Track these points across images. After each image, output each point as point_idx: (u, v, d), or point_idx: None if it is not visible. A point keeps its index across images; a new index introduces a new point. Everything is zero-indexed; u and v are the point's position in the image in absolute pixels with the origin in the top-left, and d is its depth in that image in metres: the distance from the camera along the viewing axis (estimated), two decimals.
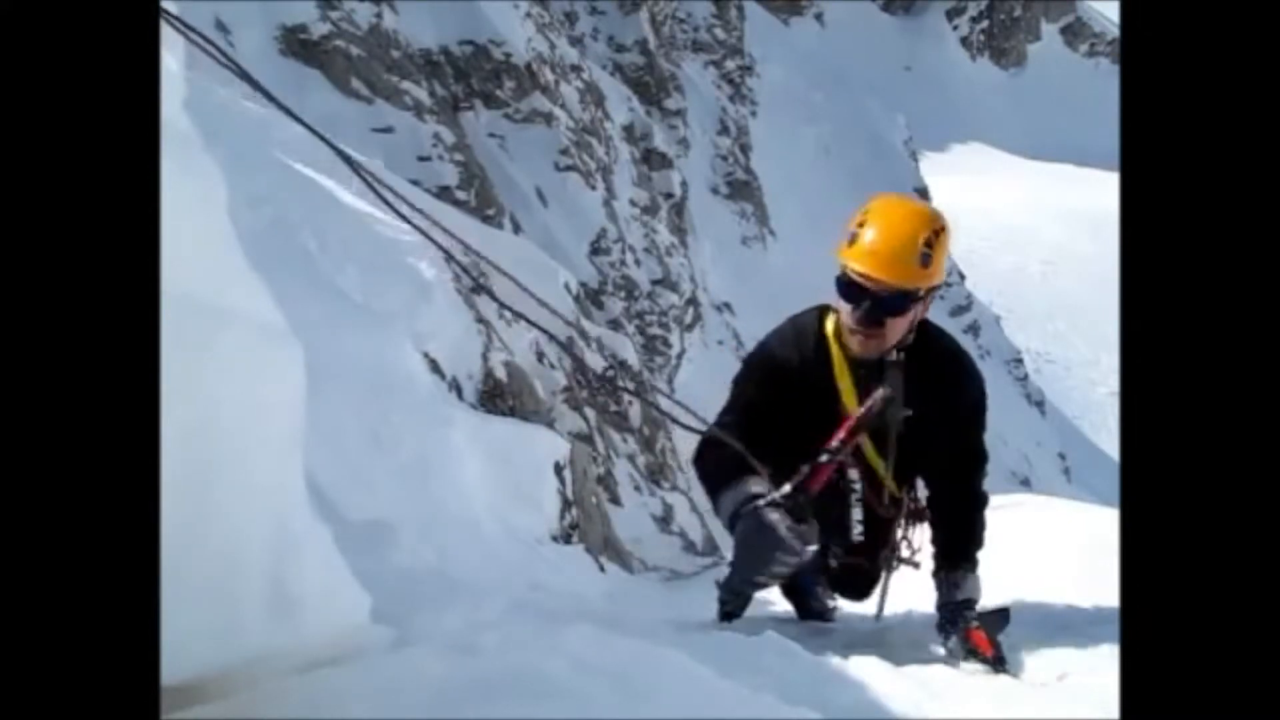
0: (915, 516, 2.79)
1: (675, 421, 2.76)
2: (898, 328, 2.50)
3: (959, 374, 2.67)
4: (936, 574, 2.59)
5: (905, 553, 2.76)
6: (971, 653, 2.28)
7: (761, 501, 2.38)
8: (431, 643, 1.29)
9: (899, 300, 2.46)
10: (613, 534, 8.47)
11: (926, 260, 2.46)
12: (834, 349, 2.61)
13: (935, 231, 2.51)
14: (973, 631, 2.36)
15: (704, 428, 2.60)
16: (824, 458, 2.50)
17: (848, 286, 2.49)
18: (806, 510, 2.42)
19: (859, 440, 2.57)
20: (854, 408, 2.55)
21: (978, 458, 2.69)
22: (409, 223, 1.97)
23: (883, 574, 2.78)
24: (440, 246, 2.13)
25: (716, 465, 2.57)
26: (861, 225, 2.50)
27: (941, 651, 2.42)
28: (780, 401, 2.61)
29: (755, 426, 2.58)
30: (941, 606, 2.53)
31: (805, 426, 2.56)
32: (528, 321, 2.28)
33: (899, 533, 2.75)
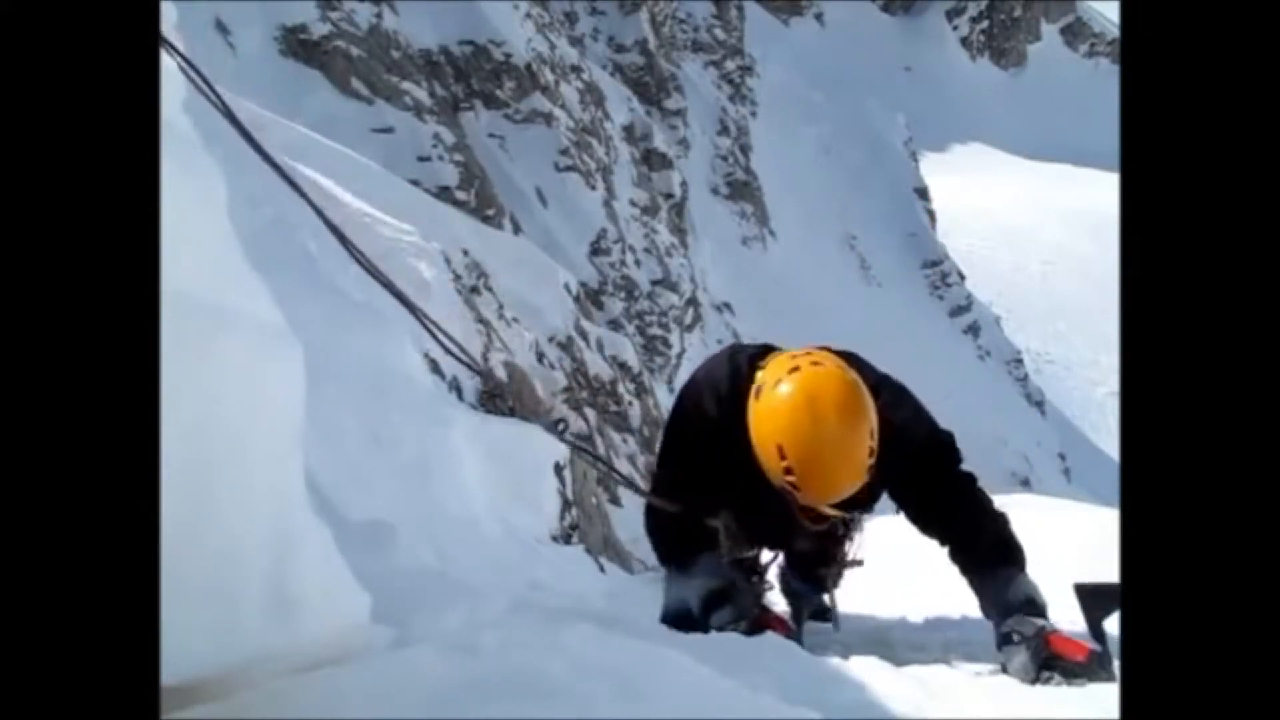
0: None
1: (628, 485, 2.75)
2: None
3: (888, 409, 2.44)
4: (973, 584, 2.29)
5: (851, 555, 2.67)
6: (1055, 665, 1.91)
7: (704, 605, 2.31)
8: (431, 643, 1.29)
9: (857, 495, 2.28)
10: (613, 534, 8.47)
11: (872, 451, 2.22)
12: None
13: (871, 425, 2.22)
14: (1052, 638, 1.98)
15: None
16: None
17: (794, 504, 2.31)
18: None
19: None
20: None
21: (932, 442, 2.45)
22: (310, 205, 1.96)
23: (830, 585, 2.73)
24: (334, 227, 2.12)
25: (689, 546, 2.48)
26: (790, 465, 2.21)
27: (940, 651, 2.41)
28: (714, 459, 2.45)
29: (706, 488, 2.48)
30: (996, 617, 2.17)
31: (736, 477, 2.41)
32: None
33: (846, 547, 2.67)
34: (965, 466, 2.45)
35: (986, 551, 2.29)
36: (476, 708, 1.02)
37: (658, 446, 2.62)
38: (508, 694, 1.06)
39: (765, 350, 2.54)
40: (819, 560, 2.72)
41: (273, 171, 1.61)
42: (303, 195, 1.79)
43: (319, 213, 1.86)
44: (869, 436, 2.20)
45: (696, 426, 2.51)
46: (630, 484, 2.78)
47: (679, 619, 2.34)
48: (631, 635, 1.55)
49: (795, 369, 2.24)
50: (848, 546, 2.68)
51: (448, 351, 2.35)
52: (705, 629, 2.26)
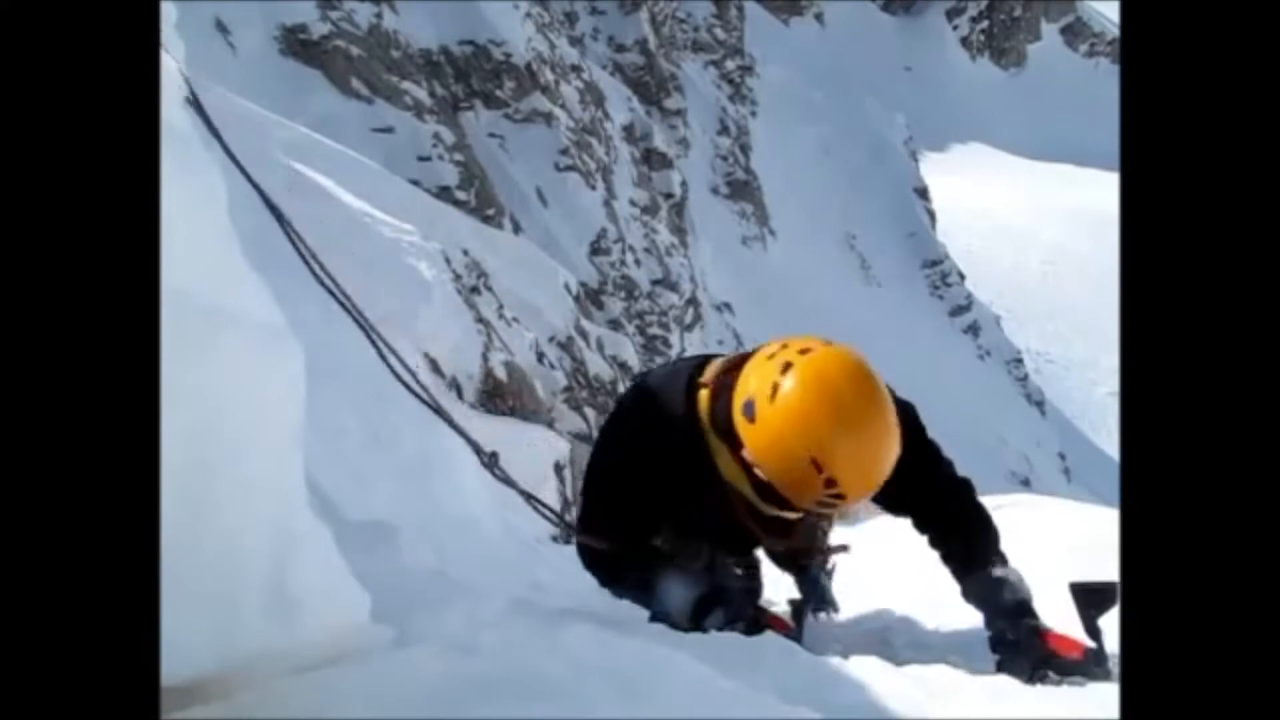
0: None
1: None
2: None
3: None
4: (966, 585, 2.21)
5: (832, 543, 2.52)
6: (1051, 664, 1.93)
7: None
8: (431, 643, 1.29)
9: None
10: None
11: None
12: (711, 436, 2.17)
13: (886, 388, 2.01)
14: (1048, 636, 2.00)
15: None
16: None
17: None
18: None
19: (734, 483, 2.23)
20: (743, 484, 2.16)
21: (918, 439, 2.26)
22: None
23: (821, 575, 2.64)
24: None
25: (630, 583, 2.36)
26: (843, 496, 1.97)
27: (940, 651, 2.41)
28: (659, 500, 2.25)
29: (636, 516, 2.29)
30: (990, 620, 2.13)
31: (683, 508, 2.26)
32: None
33: (820, 538, 2.51)
34: (961, 468, 2.40)
35: (976, 552, 2.22)
36: (476, 708, 1.02)
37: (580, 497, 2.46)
38: (508, 694, 1.06)
39: (702, 363, 2.27)
40: (794, 555, 2.58)
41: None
42: (273, 209, 1.77)
43: (289, 233, 1.85)
44: (890, 402, 1.98)
45: (636, 474, 2.24)
46: (563, 524, 2.54)
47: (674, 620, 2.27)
48: (631, 635, 1.55)
49: (788, 365, 1.98)
50: (822, 538, 2.51)
51: (397, 378, 2.36)
52: (703, 629, 2.21)
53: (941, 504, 2.31)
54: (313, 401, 1.12)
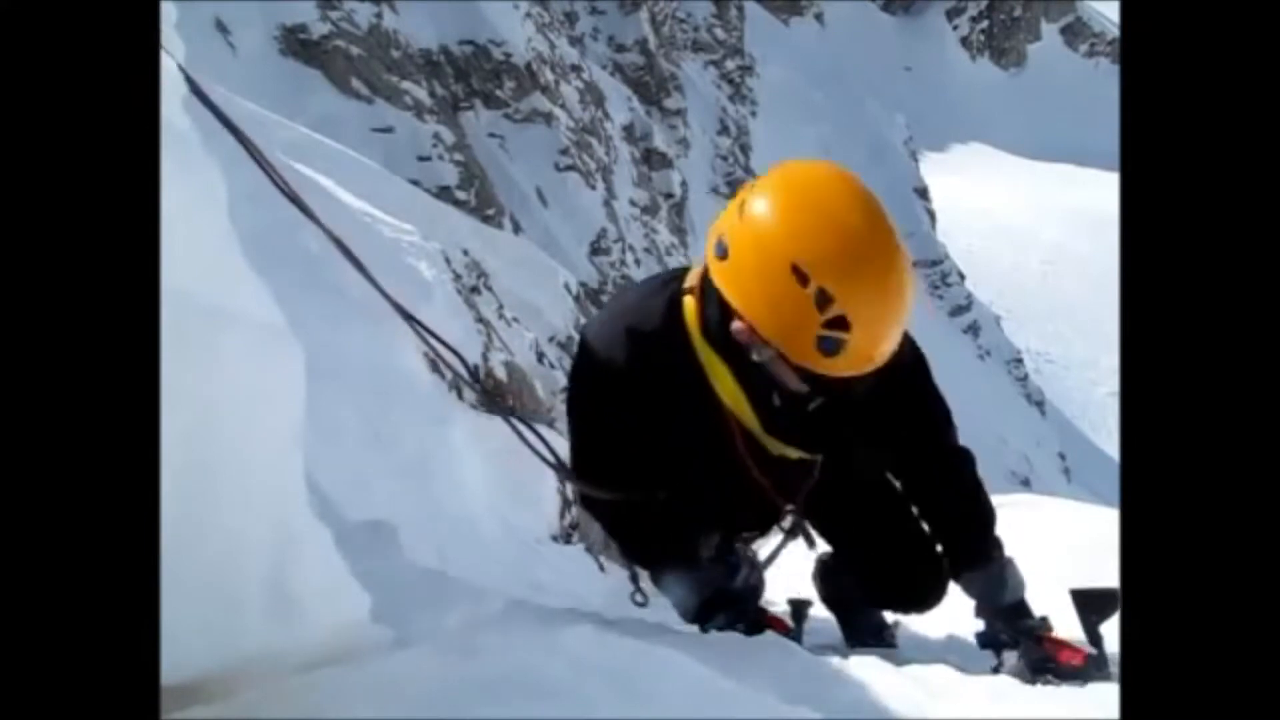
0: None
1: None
2: None
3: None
4: (963, 578, 2.07)
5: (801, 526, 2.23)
6: (1047, 667, 1.88)
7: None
8: (431, 643, 1.29)
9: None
10: None
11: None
12: (703, 351, 1.90)
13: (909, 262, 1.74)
14: (1049, 640, 1.94)
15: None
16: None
17: (814, 378, 1.75)
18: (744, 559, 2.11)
19: (761, 441, 2.01)
20: (744, 410, 1.95)
21: (935, 416, 2.09)
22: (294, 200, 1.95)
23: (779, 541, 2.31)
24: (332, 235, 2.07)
25: (650, 538, 2.13)
26: (846, 326, 1.63)
27: (940, 651, 2.41)
28: (644, 425, 1.98)
29: (633, 460, 2.03)
30: (987, 617, 2.01)
31: (679, 445, 2.02)
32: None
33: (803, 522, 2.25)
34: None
35: (975, 539, 2.04)
36: (476, 708, 1.02)
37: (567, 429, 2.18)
38: (508, 694, 1.06)
39: (681, 274, 1.99)
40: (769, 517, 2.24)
41: (277, 165, 1.60)
42: (299, 203, 1.77)
43: (316, 220, 1.85)
44: (886, 216, 1.67)
45: (619, 391, 1.95)
46: (561, 469, 2.21)
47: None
48: (631, 635, 1.54)
49: (754, 186, 1.71)
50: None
51: (446, 364, 2.17)
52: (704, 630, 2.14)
53: (946, 476, 2.11)
54: (313, 401, 1.12)
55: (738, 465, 2.02)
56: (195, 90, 1.17)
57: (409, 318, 1.96)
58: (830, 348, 1.68)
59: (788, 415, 1.95)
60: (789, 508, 2.18)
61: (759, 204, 1.68)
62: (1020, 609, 2.00)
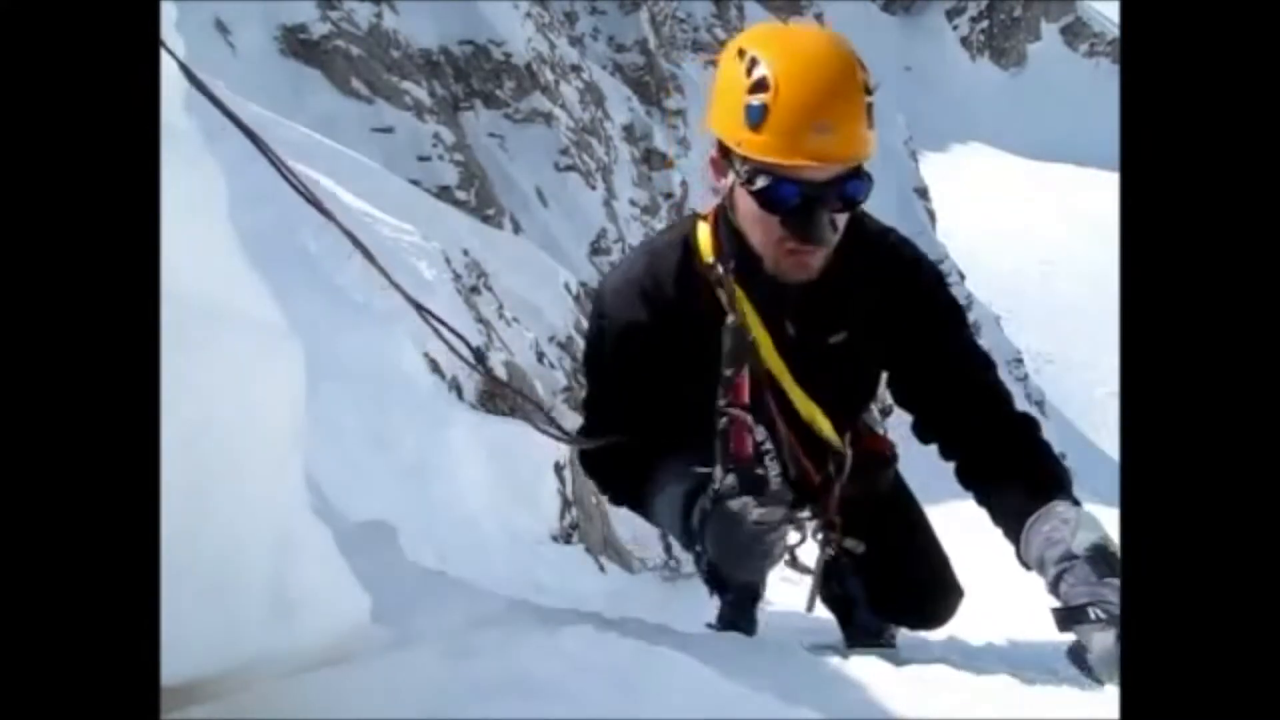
0: (862, 473, 2.07)
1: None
2: (841, 225, 1.75)
3: (908, 267, 1.93)
4: (1012, 517, 1.76)
5: (841, 538, 2.05)
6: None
7: (711, 493, 1.76)
8: (431, 643, 1.28)
9: (856, 186, 1.70)
10: (613, 534, 8.47)
11: (870, 111, 1.69)
12: (714, 273, 1.86)
13: (862, 66, 1.70)
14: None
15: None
16: (735, 413, 1.82)
17: (773, 190, 1.68)
18: (760, 477, 1.81)
19: (782, 385, 1.89)
20: (769, 350, 1.85)
21: (981, 362, 1.93)
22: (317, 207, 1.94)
23: (818, 556, 2.10)
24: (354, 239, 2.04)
25: (624, 476, 2.00)
26: (767, 87, 1.63)
27: (941, 651, 2.41)
28: (661, 374, 1.90)
29: (641, 414, 1.95)
30: (1054, 565, 1.64)
31: (700, 389, 1.87)
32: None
33: (834, 501, 2.05)
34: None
35: (1038, 479, 1.77)
36: (476, 708, 1.02)
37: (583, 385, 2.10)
38: (507, 694, 1.06)
39: (688, 227, 1.95)
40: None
41: (274, 171, 1.60)
42: (305, 194, 1.77)
43: (328, 215, 1.84)
44: (866, 89, 1.67)
45: (625, 347, 1.90)
46: (563, 435, 2.12)
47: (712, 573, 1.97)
48: (631, 635, 1.55)
49: None
50: (832, 501, 2.02)
51: (454, 351, 2.13)
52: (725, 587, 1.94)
53: (991, 405, 1.89)
54: (313, 401, 1.12)
55: (765, 413, 1.89)
56: (195, 82, 1.16)
57: (419, 307, 1.94)
58: (755, 117, 1.66)
59: (809, 352, 1.88)
60: (829, 468, 2.03)
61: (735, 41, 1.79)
62: (1102, 556, 1.61)
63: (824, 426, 1.97)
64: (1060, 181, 48.08)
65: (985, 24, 58.60)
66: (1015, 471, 1.80)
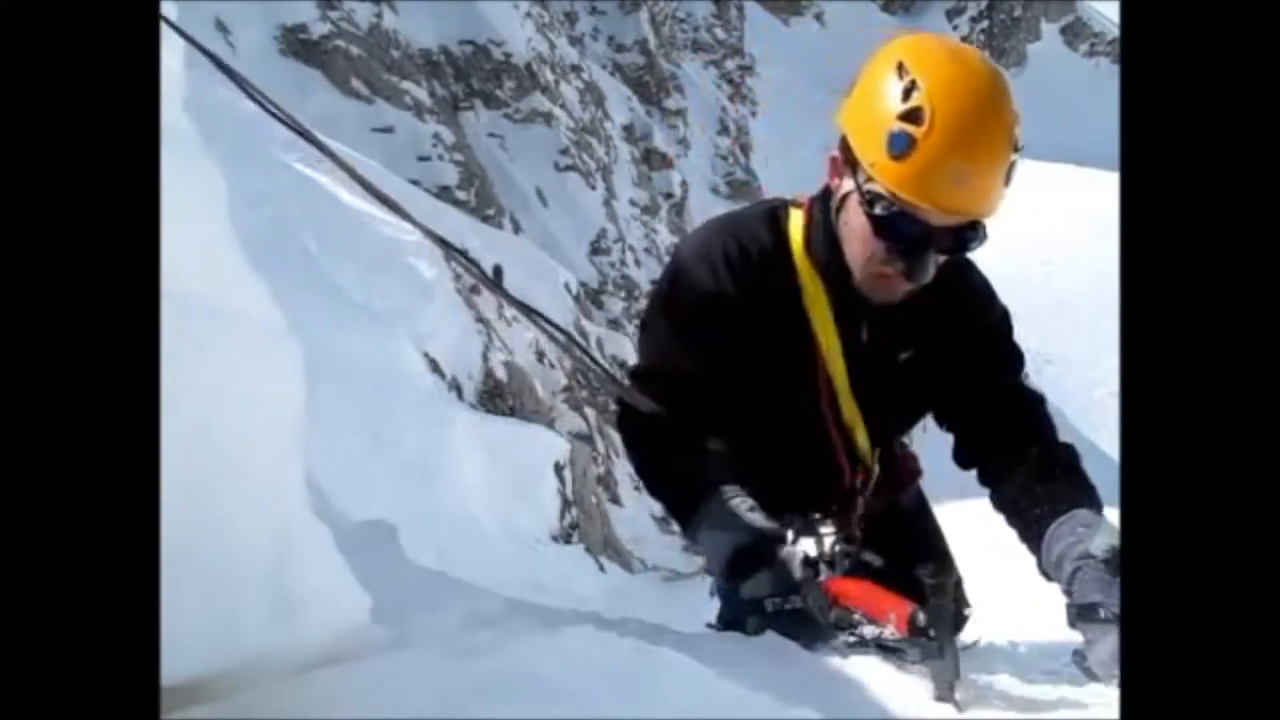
0: (886, 489, 2.06)
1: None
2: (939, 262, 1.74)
3: (983, 303, 1.96)
4: (1037, 523, 1.79)
5: (860, 551, 2.00)
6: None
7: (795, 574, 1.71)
8: (431, 643, 1.29)
9: (971, 236, 1.72)
10: (613, 534, 8.47)
11: (1011, 170, 1.67)
12: (804, 272, 1.81)
13: (1018, 120, 1.65)
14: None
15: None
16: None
17: (893, 221, 1.65)
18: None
19: (835, 388, 1.87)
20: (833, 352, 1.82)
21: (1032, 398, 1.94)
22: (418, 225, 1.94)
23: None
24: (452, 247, 2.02)
25: (674, 468, 1.91)
26: (921, 120, 1.56)
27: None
28: (726, 355, 1.83)
29: (695, 394, 1.86)
30: (1070, 563, 1.69)
31: (759, 383, 1.85)
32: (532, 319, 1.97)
33: (858, 515, 2.03)
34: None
35: (1062, 484, 1.80)
36: (476, 708, 1.02)
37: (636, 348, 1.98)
38: (507, 694, 1.06)
39: (780, 209, 1.89)
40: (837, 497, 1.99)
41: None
42: (309, 137, 1.74)
43: (326, 150, 1.82)
44: (1016, 140, 1.63)
45: (696, 319, 1.82)
46: (613, 381, 2.06)
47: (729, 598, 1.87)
48: (631, 635, 1.55)
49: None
50: (855, 514, 1.98)
51: (466, 269, 2.11)
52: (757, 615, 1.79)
53: (1033, 439, 1.89)
54: (313, 401, 1.12)
55: (816, 412, 1.88)
56: (188, 39, 1.16)
57: (431, 234, 1.90)
58: (899, 146, 1.59)
59: (874, 364, 1.86)
60: (856, 480, 2.00)
61: (889, 44, 1.70)
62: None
63: (860, 438, 1.96)
64: (1060, 181, 48.06)
65: (985, 24, 58.64)
66: (1050, 499, 1.80)
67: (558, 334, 2.01)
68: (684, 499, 1.88)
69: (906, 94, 1.59)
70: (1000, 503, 1.94)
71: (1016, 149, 1.65)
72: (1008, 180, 1.68)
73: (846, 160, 1.74)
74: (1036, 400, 1.97)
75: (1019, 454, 1.88)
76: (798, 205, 1.88)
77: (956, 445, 1.99)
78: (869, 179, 1.66)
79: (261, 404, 1.00)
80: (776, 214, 1.88)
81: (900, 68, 1.61)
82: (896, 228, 1.67)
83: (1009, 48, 59.01)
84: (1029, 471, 1.85)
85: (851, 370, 1.87)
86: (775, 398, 1.89)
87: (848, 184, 1.74)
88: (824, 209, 1.82)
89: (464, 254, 2.04)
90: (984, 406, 1.93)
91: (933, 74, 1.59)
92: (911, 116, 1.59)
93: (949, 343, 1.88)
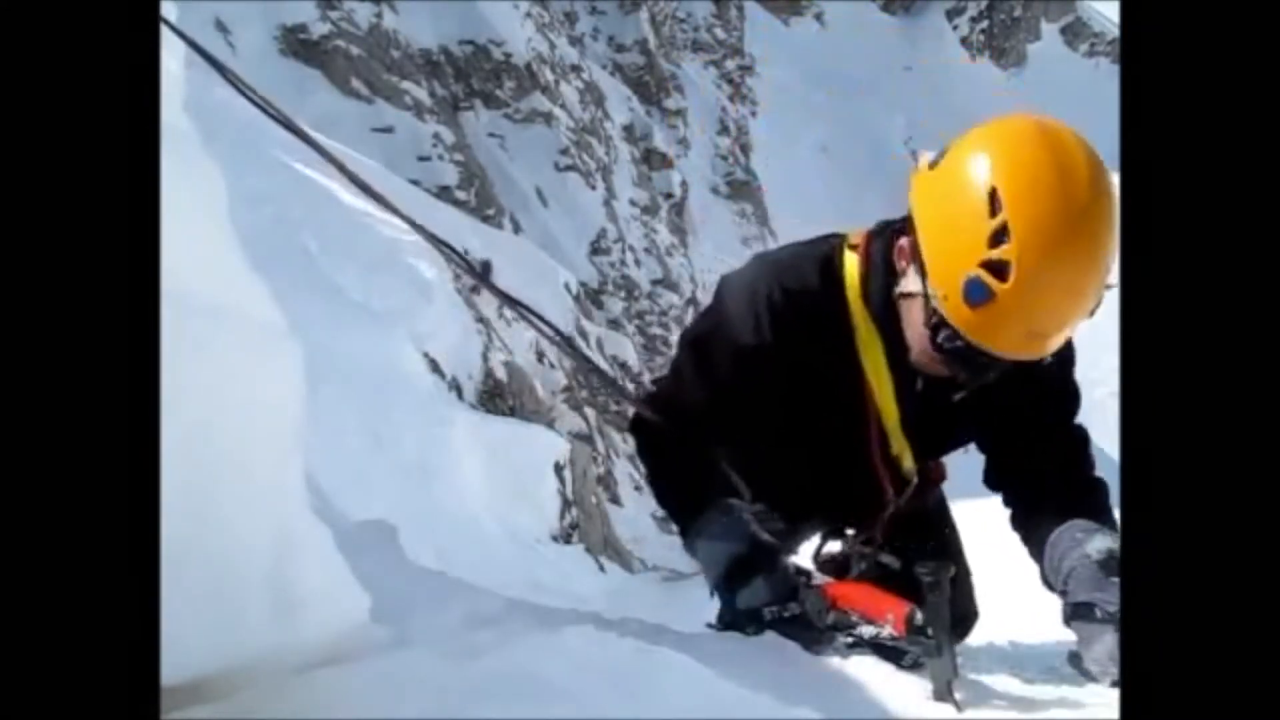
0: (916, 495, 2.04)
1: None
2: None
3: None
4: (1048, 536, 1.80)
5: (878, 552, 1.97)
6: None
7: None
8: (431, 643, 1.29)
9: (1035, 362, 1.63)
10: (613, 534, 8.47)
11: (1091, 314, 1.54)
12: (857, 315, 1.74)
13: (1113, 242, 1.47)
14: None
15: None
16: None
17: (957, 354, 1.58)
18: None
19: (886, 427, 1.84)
20: (886, 395, 1.78)
21: (1080, 436, 1.91)
22: (410, 223, 1.95)
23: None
24: (443, 244, 2.03)
25: (680, 481, 1.90)
26: (1006, 275, 1.43)
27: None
28: (769, 401, 1.80)
29: (730, 433, 1.85)
30: (1067, 562, 1.71)
31: (801, 420, 1.83)
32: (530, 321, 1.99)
33: (886, 520, 2.04)
34: (962, 467, 2.20)
35: (1084, 510, 1.79)
36: (476, 708, 1.02)
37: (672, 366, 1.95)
38: (508, 694, 1.06)
39: (836, 237, 1.82)
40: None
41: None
42: (293, 128, 1.73)
43: (308, 139, 1.82)
44: (1108, 267, 1.45)
45: (754, 348, 1.72)
46: (612, 383, 2.23)
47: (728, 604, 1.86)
48: (631, 635, 1.55)
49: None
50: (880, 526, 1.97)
51: (462, 268, 2.13)
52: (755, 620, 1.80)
53: (1069, 455, 1.90)
54: (313, 401, 1.12)
55: (863, 449, 1.85)
56: (185, 39, 1.16)
57: (417, 226, 1.88)
58: (976, 295, 1.47)
59: (927, 406, 1.80)
60: (891, 503, 1.98)
61: (1011, 121, 1.53)
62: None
63: (907, 462, 1.93)
64: None
65: (985, 24, 58.67)
66: (1068, 522, 1.80)
67: (552, 334, 2.02)
68: (687, 509, 1.87)
69: (995, 239, 1.43)
70: (1019, 524, 1.94)
71: (1109, 287, 1.47)
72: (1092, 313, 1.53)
73: (915, 259, 1.59)
74: (1082, 441, 1.93)
75: (1052, 491, 1.86)
76: (853, 246, 1.77)
77: (990, 470, 1.98)
78: (936, 310, 1.55)
79: (261, 404, 1.00)
80: (830, 259, 1.76)
81: (994, 197, 1.43)
82: (960, 357, 1.58)
83: (1009, 48, 59.04)
84: (1056, 509, 1.83)
85: (903, 411, 1.81)
86: (819, 433, 1.84)
87: (914, 283, 1.61)
88: (883, 253, 1.70)
89: (456, 251, 2.03)
90: (1031, 446, 1.90)
91: (1029, 217, 1.41)
92: (996, 268, 1.44)
93: (1008, 386, 1.77)
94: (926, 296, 1.57)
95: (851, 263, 1.75)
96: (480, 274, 2.14)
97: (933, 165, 1.58)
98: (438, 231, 2.05)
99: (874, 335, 1.73)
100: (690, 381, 1.87)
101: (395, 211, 1.87)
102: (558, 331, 2.08)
